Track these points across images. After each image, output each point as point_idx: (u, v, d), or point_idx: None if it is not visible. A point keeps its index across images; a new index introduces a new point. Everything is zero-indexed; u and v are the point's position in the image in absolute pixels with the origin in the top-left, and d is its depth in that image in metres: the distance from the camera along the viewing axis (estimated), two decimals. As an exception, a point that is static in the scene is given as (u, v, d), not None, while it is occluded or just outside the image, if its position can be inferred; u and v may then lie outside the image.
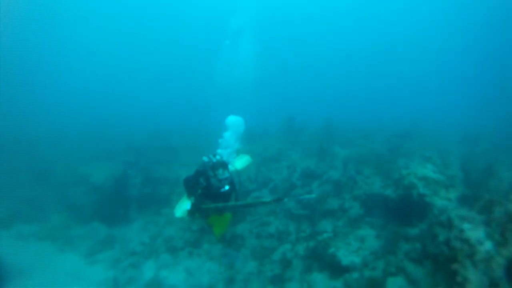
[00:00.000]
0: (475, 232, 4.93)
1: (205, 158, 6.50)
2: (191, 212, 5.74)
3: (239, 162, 8.12)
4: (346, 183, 9.31)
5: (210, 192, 6.04)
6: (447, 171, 7.80)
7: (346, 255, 6.66)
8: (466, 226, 5.02)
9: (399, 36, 49.68)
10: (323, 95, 42.47)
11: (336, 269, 6.66)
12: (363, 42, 52.48)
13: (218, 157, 6.50)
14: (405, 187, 7.53)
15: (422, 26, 46.36)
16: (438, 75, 47.60)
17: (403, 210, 7.43)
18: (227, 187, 5.95)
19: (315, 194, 7.26)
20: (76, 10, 43.76)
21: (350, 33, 52.16)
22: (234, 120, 8.61)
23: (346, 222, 7.80)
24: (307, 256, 7.61)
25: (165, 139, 18.23)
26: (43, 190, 13.42)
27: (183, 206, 6.35)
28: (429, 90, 43.16)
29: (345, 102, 36.17)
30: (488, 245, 4.78)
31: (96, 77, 48.11)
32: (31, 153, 16.36)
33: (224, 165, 5.88)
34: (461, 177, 7.67)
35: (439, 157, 9.32)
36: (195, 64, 51.24)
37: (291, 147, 13.51)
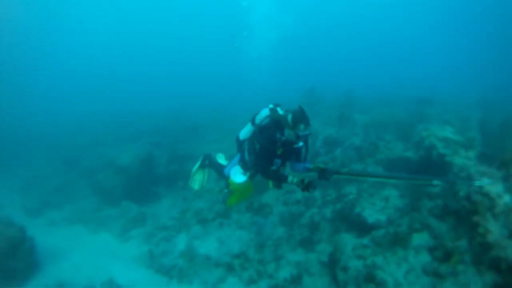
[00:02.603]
0: (494, 187, 5.18)
1: (266, 110, 5.24)
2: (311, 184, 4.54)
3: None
4: (368, 148, 9.55)
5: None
6: (466, 133, 7.99)
7: (371, 214, 6.94)
8: (486, 181, 5.27)
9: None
10: (339, 65, 42.17)
11: (362, 228, 6.95)
12: (381, 8, 51.52)
13: (278, 109, 5.18)
14: (425, 148, 7.80)
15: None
16: (458, 39, 46.57)
17: (424, 171, 7.69)
18: (301, 143, 4.86)
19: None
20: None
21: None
22: None
23: (370, 185, 8.01)
24: (334, 218, 7.93)
25: (187, 118, 18.49)
26: (71, 177, 13.80)
27: (237, 169, 5.49)
28: (448, 53, 42.45)
29: (361, 70, 35.91)
30: (507, 198, 5.04)
31: (118, 60, 48.33)
32: (58, 143, 16.85)
33: (307, 120, 4.71)
34: (480, 139, 7.83)
35: (458, 120, 9.50)
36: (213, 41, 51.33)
37: (312, 116, 13.71)
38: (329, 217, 8.08)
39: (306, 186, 4.49)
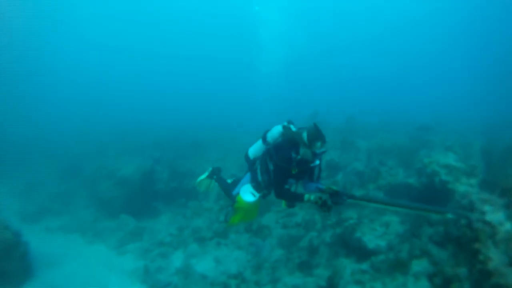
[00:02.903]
0: (496, 214, 5.16)
1: (279, 128, 5.04)
2: (324, 205, 4.46)
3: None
4: (370, 174, 9.53)
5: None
6: (468, 160, 7.99)
7: (372, 240, 6.87)
8: (487, 208, 5.25)
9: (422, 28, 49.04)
10: (342, 88, 42.55)
11: (362, 253, 6.86)
12: (383, 36, 52.16)
13: (292, 126, 5.00)
14: (428, 175, 7.78)
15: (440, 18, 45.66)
16: (461, 64, 46.91)
17: (426, 197, 7.65)
18: (317, 161, 4.73)
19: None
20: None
21: (369, 27, 51.83)
22: None
23: (371, 210, 7.93)
24: (334, 242, 7.84)
25: (190, 134, 18.51)
26: (71, 186, 13.86)
27: (248, 188, 5.27)
28: (451, 80, 42.76)
29: (365, 94, 36.22)
30: (508, 226, 5.00)
31: (121, 73, 48.65)
32: (59, 151, 16.87)
33: (324, 137, 4.57)
34: (482, 166, 7.82)
35: (460, 147, 9.52)
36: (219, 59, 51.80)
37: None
38: (328, 241, 7.99)
39: (324, 203, 4.41)
